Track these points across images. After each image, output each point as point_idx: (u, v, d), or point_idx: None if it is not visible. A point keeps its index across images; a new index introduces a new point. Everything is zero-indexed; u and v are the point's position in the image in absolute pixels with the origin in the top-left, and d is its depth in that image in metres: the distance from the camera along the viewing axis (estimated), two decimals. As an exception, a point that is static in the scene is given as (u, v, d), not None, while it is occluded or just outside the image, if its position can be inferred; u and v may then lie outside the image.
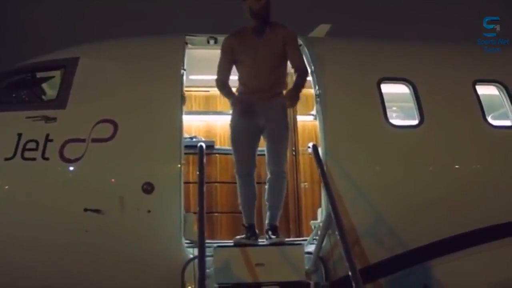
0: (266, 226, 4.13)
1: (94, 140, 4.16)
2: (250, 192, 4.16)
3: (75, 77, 4.42)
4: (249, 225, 4.12)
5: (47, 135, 4.16)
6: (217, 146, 5.28)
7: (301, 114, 5.16)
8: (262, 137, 4.19)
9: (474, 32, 5.42)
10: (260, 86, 4.10)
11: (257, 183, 4.28)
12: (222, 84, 4.24)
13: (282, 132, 4.15)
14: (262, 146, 4.21)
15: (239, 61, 4.21)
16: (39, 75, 4.78)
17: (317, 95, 4.53)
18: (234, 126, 4.19)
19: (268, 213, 4.17)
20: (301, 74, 4.16)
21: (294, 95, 4.04)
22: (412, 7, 11.98)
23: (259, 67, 4.12)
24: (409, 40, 6.04)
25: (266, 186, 4.17)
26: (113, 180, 4.12)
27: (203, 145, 4.28)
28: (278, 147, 4.12)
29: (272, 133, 4.11)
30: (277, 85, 4.17)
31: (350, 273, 3.48)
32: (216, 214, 4.97)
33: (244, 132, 4.13)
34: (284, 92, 4.18)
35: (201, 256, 3.54)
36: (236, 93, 4.23)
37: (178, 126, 4.27)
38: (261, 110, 4.08)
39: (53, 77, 4.70)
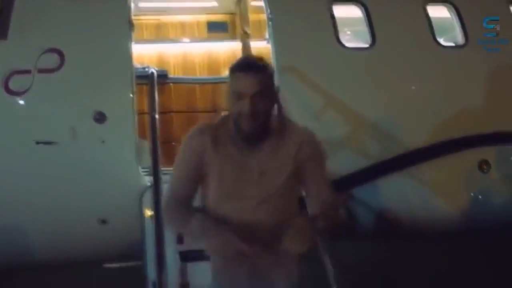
0: None
1: (41, 71, 4.02)
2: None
3: (16, 4, 4.20)
4: None
5: (-11, 68, 4.00)
6: (170, 75, 5.21)
7: (254, 40, 5.12)
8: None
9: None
10: (255, 234, 2.08)
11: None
12: (180, 205, 2.19)
13: None
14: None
15: (214, 183, 2.16)
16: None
17: (269, 19, 4.47)
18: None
19: None
20: (326, 207, 2.20)
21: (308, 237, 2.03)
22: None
23: (254, 202, 2.12)
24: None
25: None
26: (63, 111, 4.03)
27: (154, 71, 4.22)
28: None
29: None
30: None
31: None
32: (173, 143, 4.98)
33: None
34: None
35: (156, 182, 3.59)
36: None
37: (128, 53, 4.16)
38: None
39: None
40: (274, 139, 2.16)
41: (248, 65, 2.15)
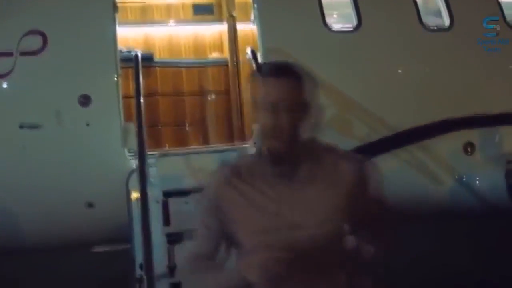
0: None
1: (23, 53, 3.97)
2: None
3: (-4, -15, 4.14)
4: None
5: (-31, 49, 3.94)
6: (156, 59, 5.17)
7: (240, 22, 5.08)
8: None
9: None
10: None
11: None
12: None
13: None
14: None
15: (240, 224, 1.76)
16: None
17: (254, 1, 4.43)
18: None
19: None
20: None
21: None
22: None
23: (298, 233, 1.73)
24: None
25: None
26: (47, 94, 3.99)
27: (139, 53, 4.18)
28: None
29: None
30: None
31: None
32: (159, 127, 4.97)
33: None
34: None
35: (142, 165, 3.58)
36: None
37: (112, 36, 4.12)
38: None
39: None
40: (310, 164, 1.71)
41: (272, 68, 1.71)
